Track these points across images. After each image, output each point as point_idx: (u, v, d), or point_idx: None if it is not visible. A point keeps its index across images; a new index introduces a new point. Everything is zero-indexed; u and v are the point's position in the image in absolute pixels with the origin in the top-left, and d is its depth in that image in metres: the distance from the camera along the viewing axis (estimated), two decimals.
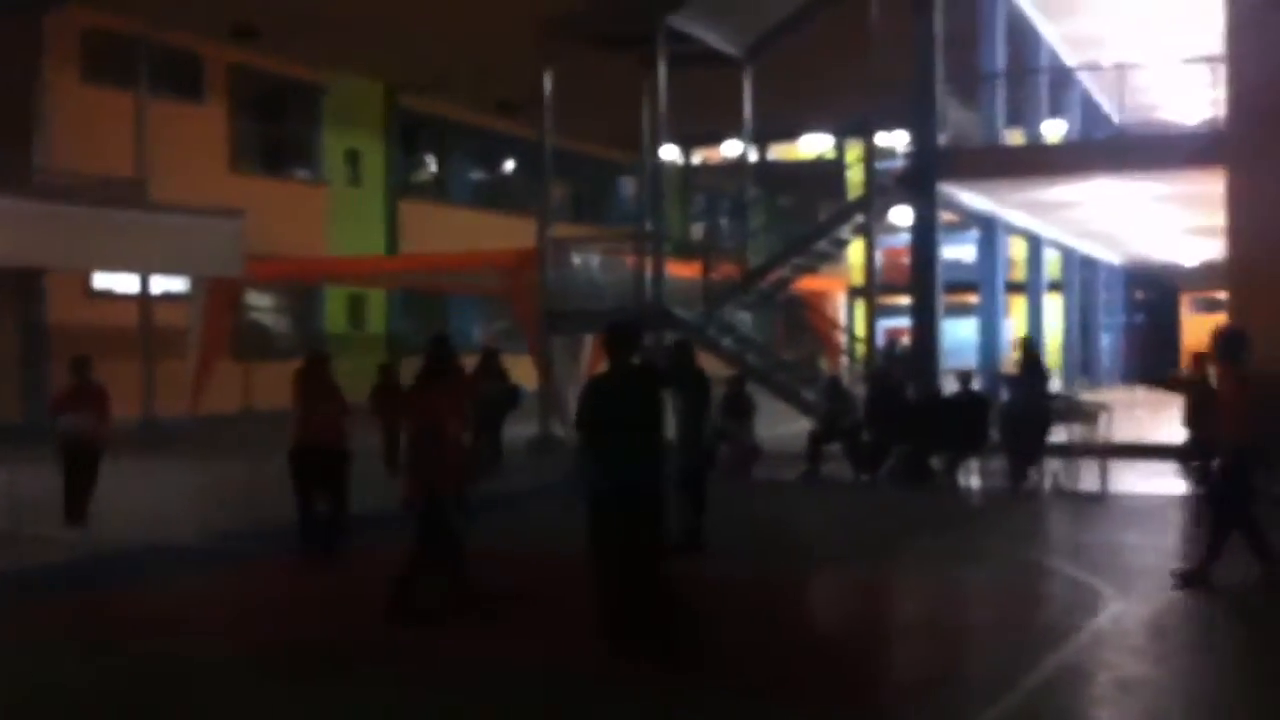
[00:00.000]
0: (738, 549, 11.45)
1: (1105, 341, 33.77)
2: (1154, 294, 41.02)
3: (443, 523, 8.50)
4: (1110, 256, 33.49)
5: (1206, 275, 38.97)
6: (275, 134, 28.35)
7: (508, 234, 27.31)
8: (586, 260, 21.64)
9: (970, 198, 21.46)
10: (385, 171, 30.72)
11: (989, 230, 23.06)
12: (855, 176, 38.47)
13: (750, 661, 7.68)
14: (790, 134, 40.10)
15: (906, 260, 29.17)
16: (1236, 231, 18.14)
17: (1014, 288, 27.44)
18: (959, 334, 27.86)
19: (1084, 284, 31.82)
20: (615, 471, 7.53)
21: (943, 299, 20.61)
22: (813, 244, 21.84)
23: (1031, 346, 17.27)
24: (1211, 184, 18.83)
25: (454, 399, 8.88)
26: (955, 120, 21.02)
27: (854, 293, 32.88)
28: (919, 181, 19.45)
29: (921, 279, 19.84)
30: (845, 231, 21.95)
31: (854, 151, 42.16)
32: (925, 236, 19.78)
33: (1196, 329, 42.44)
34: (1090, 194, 21.82)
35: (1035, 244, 26.50)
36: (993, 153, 20.61)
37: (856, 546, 11.94)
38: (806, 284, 25.99)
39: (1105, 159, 19.68)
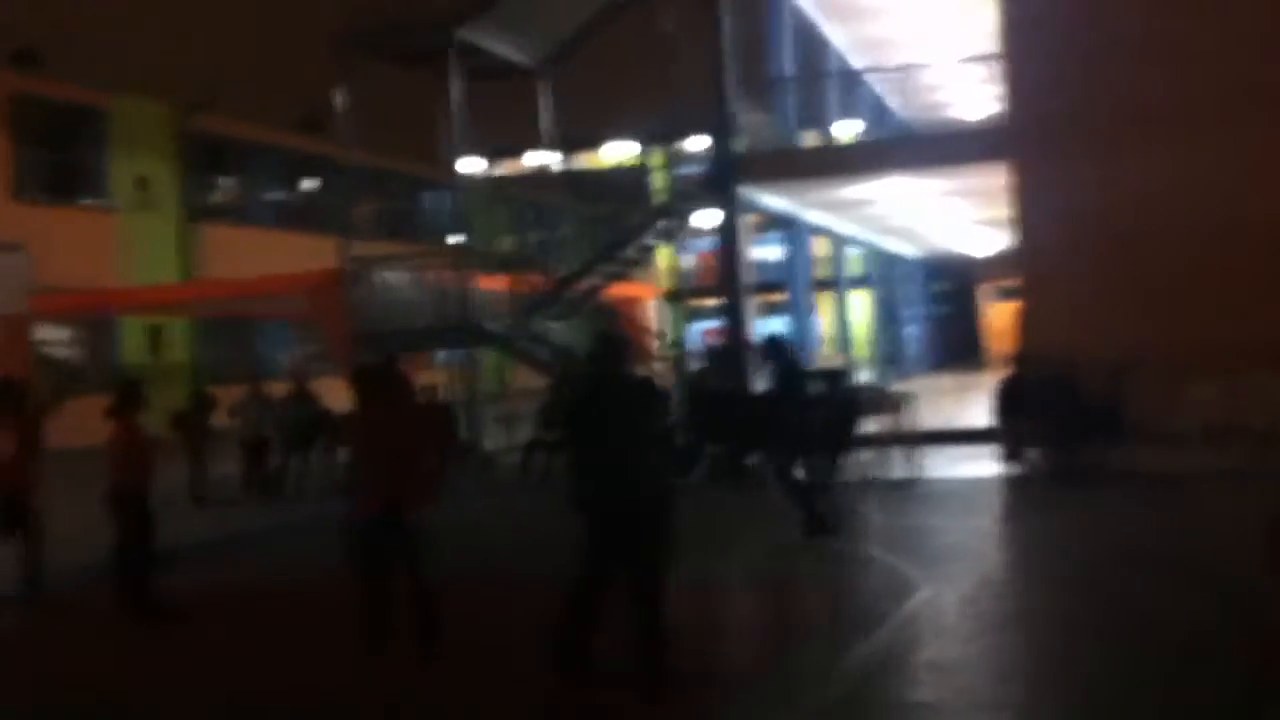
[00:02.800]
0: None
1: (910, 332, 34.80)
2: (952, 285, 42.49)
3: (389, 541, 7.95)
4: (910, 250, 34.56)
5: (1000, 265, 40.62)
6: (60, 161, 27.27)
7: (314, 254, 26.72)
8: (396, 278, 21.33)
9: (771, 199, 21.90)
10: (178, 195, 29.80)
11: (792, 230, 23.56)
12: (660, 182, 38.95)
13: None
14: (593, 142, 40.22)
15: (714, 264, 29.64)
16: (1023, 221, 18.93)
17: (822, 285, 28.07)
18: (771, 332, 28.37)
19: (886, 278, 32.76)
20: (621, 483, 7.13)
21: (753, 299, 20.97)
22: (620, 251, 21.95)
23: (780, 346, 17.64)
24: (997, 177, 19.64)
25: (409, 415, 8.77)
26: (751, 124, 21.40)
27: (665, 298, 33.25)
28: (720, 185, 19.77)
29: (729, 280, 20.14)
30: (651, 237, 22.14)
31: (657, 157, 42.67)
32: (730, 238, 20.10)
33: (998, 315, 44.22)
34: (884, 191, 22.49)
35: (837, 242, 27.17)
36: (787, 155, 21.07)
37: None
38: (617, 291, 26.11)
39: (896, 157, 20.32)
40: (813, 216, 24.16)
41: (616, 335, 8.14)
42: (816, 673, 7.32)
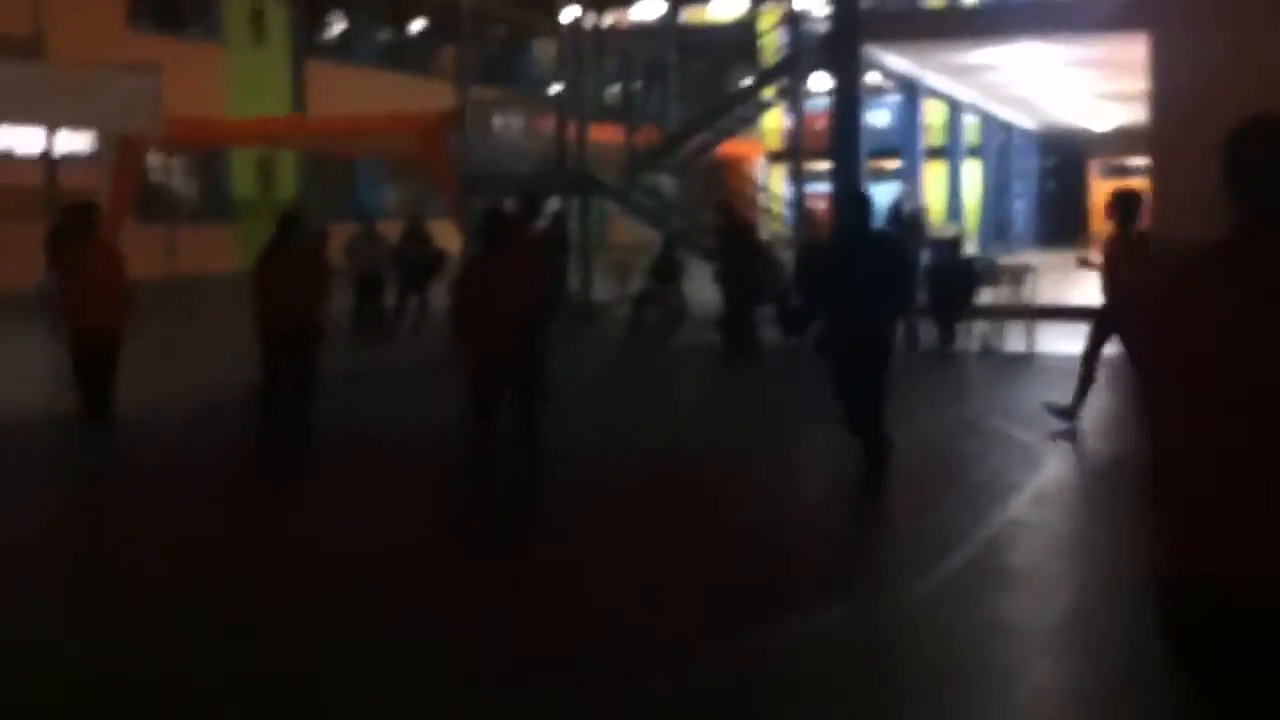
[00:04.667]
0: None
1: (1018, 206, 34.09)
2: (1062, 160, 41.41)
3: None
4: (1024, 121, 33.65)
5: (1117, 141, 39.43)
6: None
7: (415, 97, 26.66)
8: (508, 123, 21.21)
9: (892, 61, 21.32)
10: (288, 31, 29.70)
11: (909, 95, 22.99)
12: (769, 42, 38.08)
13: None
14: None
15: (822, 126, 29.07)
16: (1159, 96, 18.25)
17: (932, 153, 27.48)
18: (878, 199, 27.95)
19: (999, 149, 31.98)
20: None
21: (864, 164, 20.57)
22: (735, 107, 21.62)
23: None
24: (1131, 49, 18.89)
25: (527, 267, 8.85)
26: None
27: (771, 158, 32.76)
28: (842, 44, 19.21)
29: (844, 144, 19.71)
30: (764, 97, 21.70)
31: (769, 16, 41.67)
32: (848, 101, 19.61)
33: (1105, 193, 43.22)
34: (1009, 57, 21.79)
35: (954, 109, 26.50)
36: (917, 15, 20.47)
37: (798, 409, 11.88)
38: (724, 149, 25.81)
39: (1028, 21, 19.56)
40: (931, 81, 23.52)
41: (863, 194, 9.10)
42: (954, 537, 7.28)
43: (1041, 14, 19.46)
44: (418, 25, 35.19)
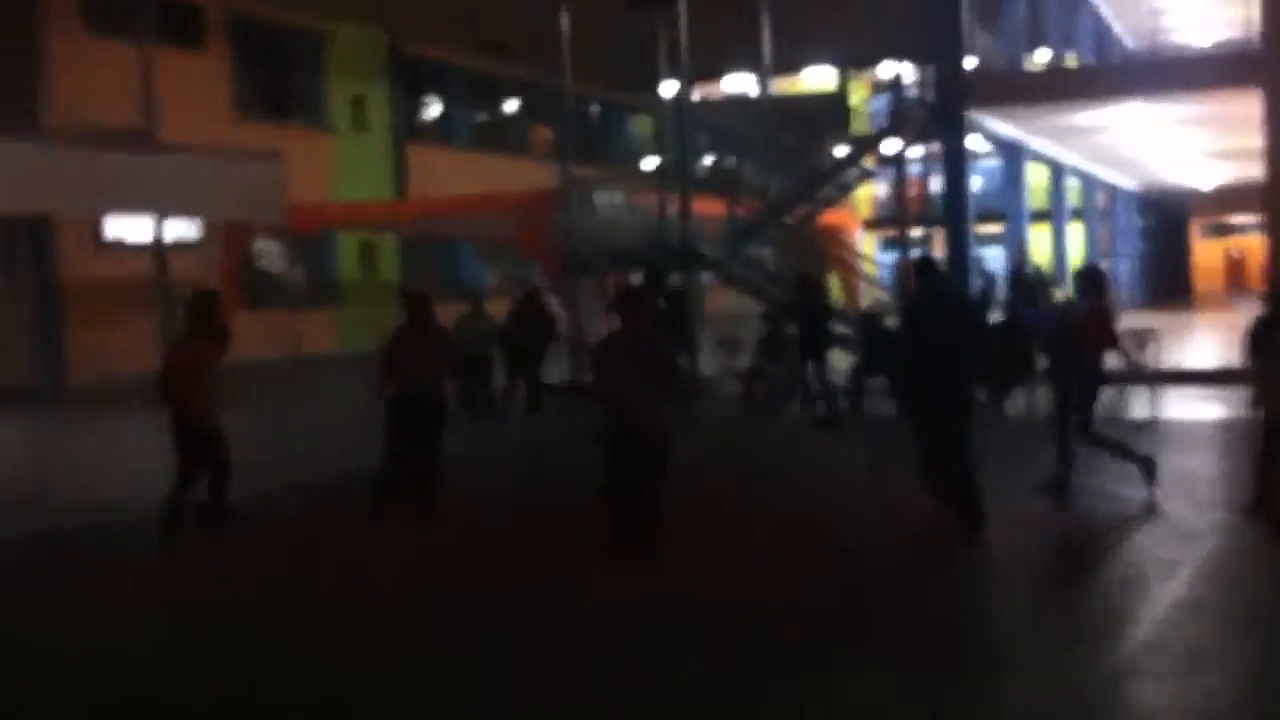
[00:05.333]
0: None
1: (1120, 267, 33.50)
2: (1166, 219, 40.75)
3: None
4: (1126, 182, 33.16)
5: (1219, 199, 38.78)
6: (278, 82, 27.78)
7: (511, 176, 26.92)
8: (608, 199, 21.27)
9: (997, 124, 21.09)
10: (389, 117, 30.19)
11: (1011, 158, 22.72)
12: (860, 111, 38.10)
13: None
14: (792, 67, 39.55)
15: (915, 193, 28.85)
16: (1274, 150, 17.86)
17: (1033, 216, 27.08)
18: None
19: (1102, 211, 31.51)
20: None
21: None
22: (835, 176, 21.48)
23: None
24: (1241, 105, 18.55)
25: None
26: (979, 46, 20.61)
27: (866, 226, 32.57)
28: (949, 109, 19.04)
29: (954, 209, 19.49)
30: (867, 164, 21.54)
31: (860, 87, 41.75)
32: (957, 165, 19.41)
33: (1206, 253, 42.43)
34: (1117, 118, 21.46)
35: (1057, 171, 26.15)
36: (1023, 77, 20.23)
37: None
38: (822, 220, 25.67)
39: (1137, 81, 19.32)
40: (1036, 144, 23.24)
41: (934, 260, 9.99)
42: (1127, 616, 6.96)
43: (1151, 73, 19.22)
44: (511, 106, 35.59)
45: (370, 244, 29.09)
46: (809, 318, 15.57)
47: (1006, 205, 23.14)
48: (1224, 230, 42.53)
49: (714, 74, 38.73)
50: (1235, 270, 41.85)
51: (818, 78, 41.78)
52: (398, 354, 10.22)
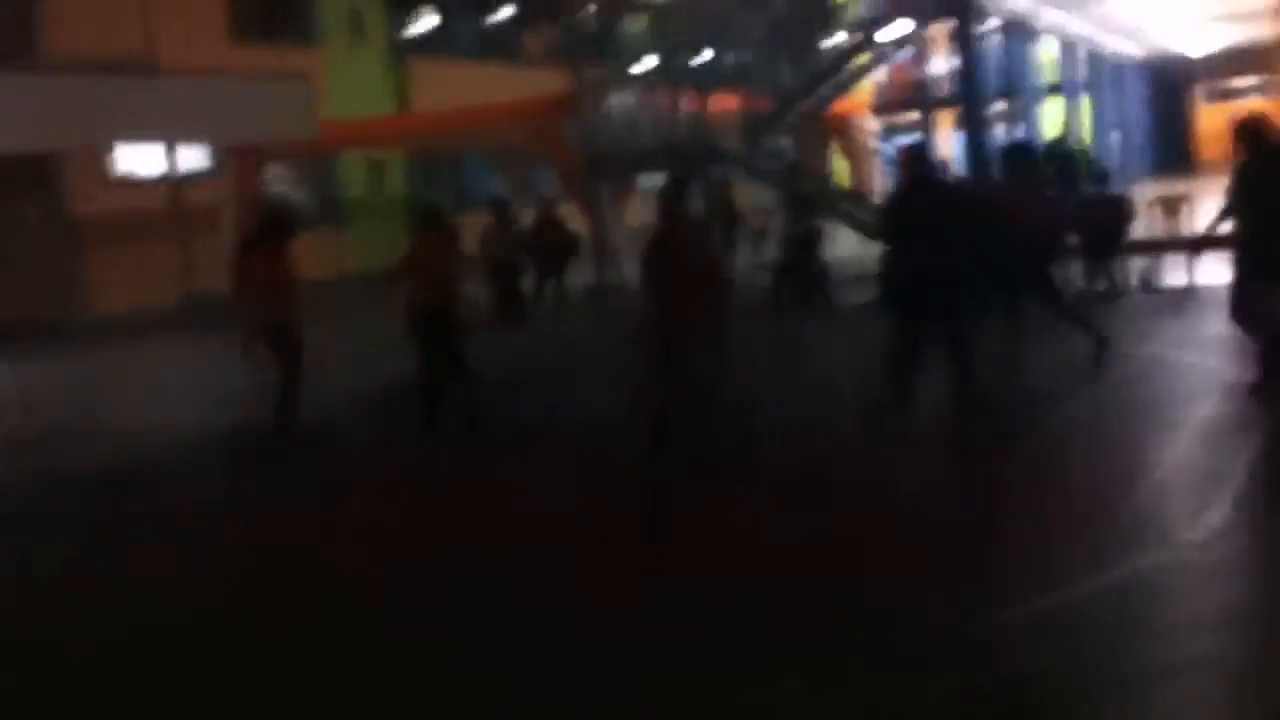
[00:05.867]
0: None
1: (1120, 138, 33.19)
2: (1169, 87, 40.33)
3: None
4: (1131, 50, 32.80)
5: (1223, 64, 38.43)
6: (272, 2, 27.31)
7: (512, 85, 26.59)
8: (622, 101, 21.07)
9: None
10: (385, 29, 29.76)
11: (1024, 33, 22.48)
12: None
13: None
14: None
15: (911, 77, 28.45)
16: None
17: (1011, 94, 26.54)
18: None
19: (1105, 83, 31.17)
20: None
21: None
22: (849, 61, 21.25)
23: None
24: None
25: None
26: None
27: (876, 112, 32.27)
28: None
29: (969, 88, 19.31)
30: (883, 47, 21.25)
31: None
32: (970, 42, 19.18)
33: (1210, 119, 41.99)
34: None
35: (1067, 44, 25.88)
36: None
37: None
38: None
39: None
40: (1046, 16, 22.97)
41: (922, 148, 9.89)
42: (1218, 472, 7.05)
43: None
44: (506, 12, 35.03)
45: (376, 161, 28.84)
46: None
47: (1016, 82, 22.88)
48: (1228, 95, 42.12)
49: None
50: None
51: None
52: (415, 268, 10.23)
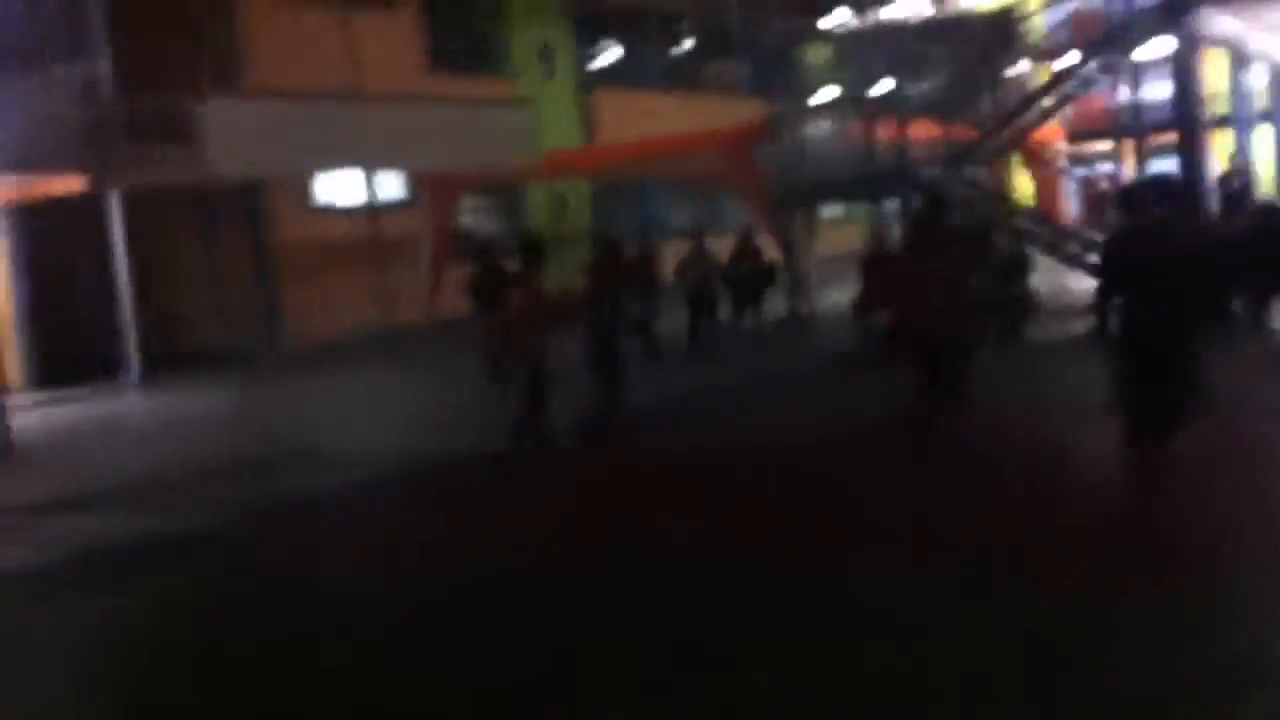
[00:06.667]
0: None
1: None
2: None
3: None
4: None
5: None
6: (467, 36, 27.69)
7: (697, 115, 26.49)
8: (816, 130, 20.86)
9: (1225, 23, 20.00)
10: (573, 62, 29.98)
11: (1240, 59, 21.65)
12: (1036, 25, 36.62)
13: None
14: None
15: (1100, 107, 27.47)
16: None
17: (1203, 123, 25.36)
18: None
19: None
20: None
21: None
22: (1052, 90, 20.68)
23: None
24: None
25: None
26: None
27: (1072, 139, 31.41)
28: (1177, 9, 18.12)
29: (1186, 116, 18.58)
30: (1093, 73, 20.56)
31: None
32: (1187, 69, 18.48)
33: None
34: None
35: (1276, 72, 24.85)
36: None
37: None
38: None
39: None
40: (1258, 42, 22.05)
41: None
42: None
43: None
44: (688, 44, 35.06)
45: (558, 193, 28.96)
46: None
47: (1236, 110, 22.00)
48: None
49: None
50: None
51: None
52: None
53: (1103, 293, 8.62)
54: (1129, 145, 33.56)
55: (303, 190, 23.44)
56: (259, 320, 22.76)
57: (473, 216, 27.97)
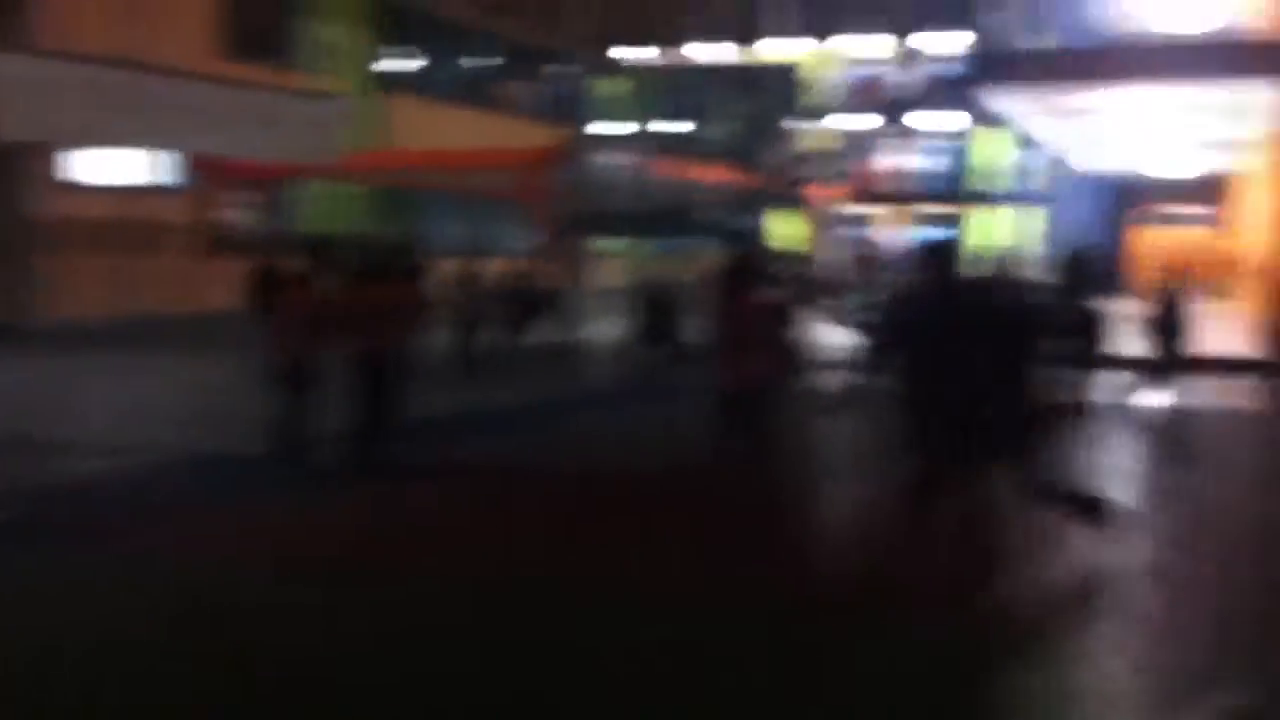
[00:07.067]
0: None
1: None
2: (1116, 206, 40.97)
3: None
4: (1094, 167, 33.21)
5: (1171, 189, 39.11)
6: (260, 22, 26.50)
7: (490, 133, 26.09)
8: (612, 161, 20.75)
9: (1004, 103, 20.84)
10: (366, 65, 29.10)
11: (1022, 140, 22.57)
12: (819, 84, 37.73)
13: None
14: (746, 37, 39.10)
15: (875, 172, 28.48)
16: None
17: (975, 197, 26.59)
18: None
19: (1064, 195, 31.48)
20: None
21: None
22: (843, 151, 21.14)
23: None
24: (1255, 93, 18.49)
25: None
26: (995, 24, 20.34)
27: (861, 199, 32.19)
28: (977, 82, 18.75)
29: (960, 189, 19.21)
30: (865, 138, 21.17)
31: (821, 55, 41.30)
32: (967, 143, 19.13)
33: (1152, 242, 42.70)
34: (1122, 101, 21.33)
35: (1049, 153, 26.05)
36: (1045, 55, 19.87)
37: None
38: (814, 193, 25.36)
39: (1164, 63, 19.05)
40: (1034, 125, 23.09)
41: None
42: None
43: (1180, 55, 18.98)
44: (490, 62, 34.54)
45: (337, 195, 27.99)
46: None
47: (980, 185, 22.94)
48: (1164, 220, 42.93)
49: (677, 40, 38.32)
50: (1172, 261, 41.97)
51: (777, 48, 41.24)
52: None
53: (882, 349, 8.74)
54: (902, 211, 34.70)
55: (67, 162, 22.00)
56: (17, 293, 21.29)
57: (242, 211, 26.83)
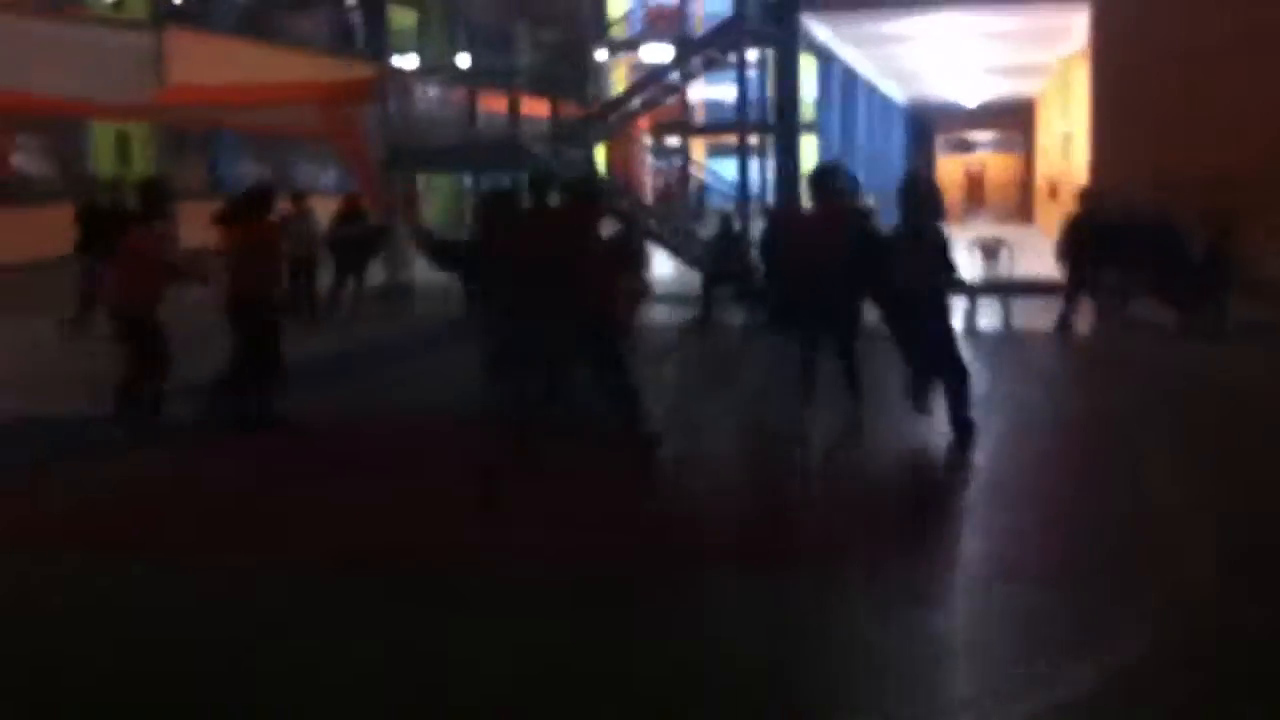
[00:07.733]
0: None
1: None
2: (920, 134, 42.08)
3: None
4: (899, 96, 33.88)
5: (968, 116, 40.34)
6: None
7: (278, 67, 24.88)
8: (428, 94, 20.05)
9: (819, 31, 20.93)
10: None
11: (827, 65, 22.73)
12: (616, 7, 37.36)
13: None
14: None
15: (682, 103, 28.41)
16: (1101, 64, 18.39)
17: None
18: (728, 174, 27.38)
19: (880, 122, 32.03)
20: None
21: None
22: (663, 79, 20.85)
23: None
24: (1060, 19, 18.99)
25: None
26: None
27: (655, 131, 32.03)
28: (785, 11, 18.72)
29: (785, 117, 19.22)
30: (695, 68, 20.94)
31: None
32: (789, 72, 19.11)
33: (947, 169, 44.11)
34: (932, 28, 21.66)
35: (847, 80, 26.33)
36: None
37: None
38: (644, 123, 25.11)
39: None
40: (845, 53, 23.29)
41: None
42: None
43: None
44: None
45: (125, 136, 26.45)
46: None
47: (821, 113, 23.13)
48: (964, 147, 44.31)
49: None
50: (973, 186, 43.60)
51: None
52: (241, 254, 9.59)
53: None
54: (700, 141, 34.70)
55: None
56: None
57: (24, 155, 25.18)
